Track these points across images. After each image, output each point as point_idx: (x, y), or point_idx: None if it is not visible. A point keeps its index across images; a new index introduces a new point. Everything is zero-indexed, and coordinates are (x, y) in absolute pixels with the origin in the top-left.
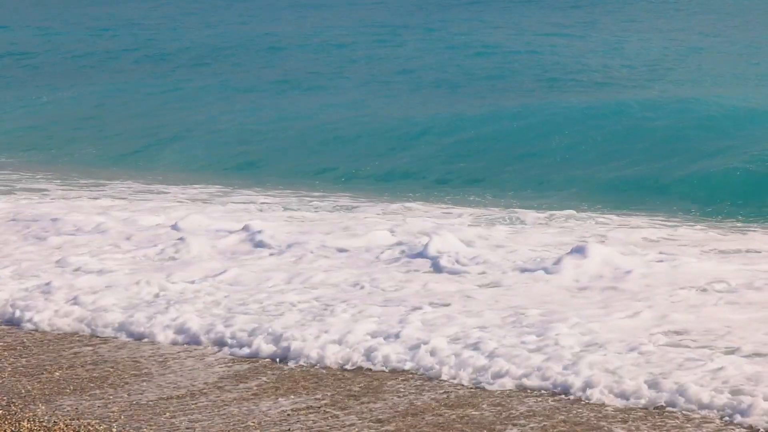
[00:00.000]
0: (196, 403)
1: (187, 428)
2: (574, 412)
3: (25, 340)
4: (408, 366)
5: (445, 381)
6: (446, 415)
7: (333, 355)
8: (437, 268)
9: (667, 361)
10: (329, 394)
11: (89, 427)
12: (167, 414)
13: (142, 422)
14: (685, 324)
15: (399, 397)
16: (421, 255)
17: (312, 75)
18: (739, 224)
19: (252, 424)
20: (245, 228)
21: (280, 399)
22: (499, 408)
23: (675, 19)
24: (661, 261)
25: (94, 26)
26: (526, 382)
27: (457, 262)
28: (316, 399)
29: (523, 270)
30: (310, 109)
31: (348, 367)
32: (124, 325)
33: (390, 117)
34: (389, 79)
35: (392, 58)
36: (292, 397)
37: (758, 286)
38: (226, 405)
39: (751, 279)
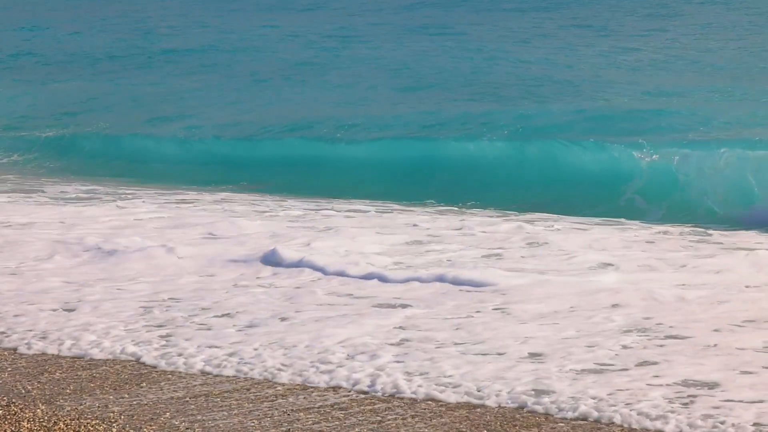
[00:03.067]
0: (196, 404)
1: (187, 428)
2: None
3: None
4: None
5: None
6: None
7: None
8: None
9: None
10: (329, 395)
11: (89, 428)
12: (167, 414)
13: (142, 422)
14: None
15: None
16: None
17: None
18: None
19: (252, 424)
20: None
21: (279, 399)
22: None
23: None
24: None
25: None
26: None
27: None
28: (316, 400)
29: None
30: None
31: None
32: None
33: None
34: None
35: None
36: (292, 398)
37: None
38: (226, 405)
39: None
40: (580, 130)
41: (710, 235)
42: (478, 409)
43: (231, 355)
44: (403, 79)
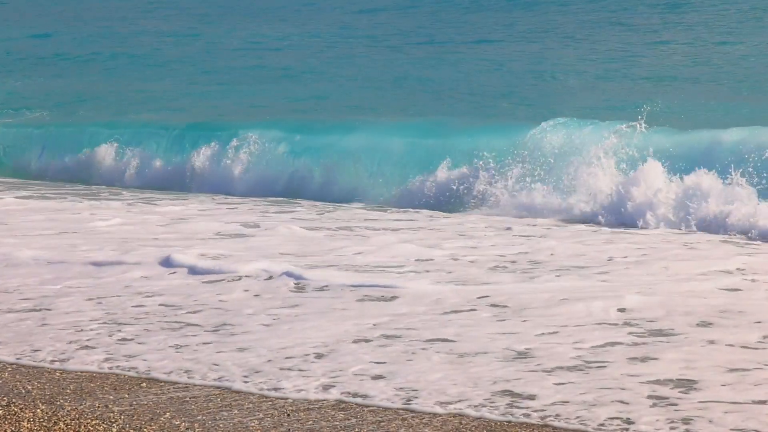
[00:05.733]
0: (196, 404)
1: (187, 428)
2: None
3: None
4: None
5: None
6: None
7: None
8: None
9: None
10: (330, 396)
11: (89, 428)
12: (167, 414)
13: (142, 422)
14: None
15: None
16: None
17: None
18: None
19: (252, 424)
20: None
21: (279, 399)
22: None
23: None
24: None
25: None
26: None
27: None
28: (316, 400)
29: None
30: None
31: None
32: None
33: None
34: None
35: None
36: (292, 398)
37: None
38: (226, 405)
39: None
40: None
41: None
42: (478, 412)
43: (214, 363)
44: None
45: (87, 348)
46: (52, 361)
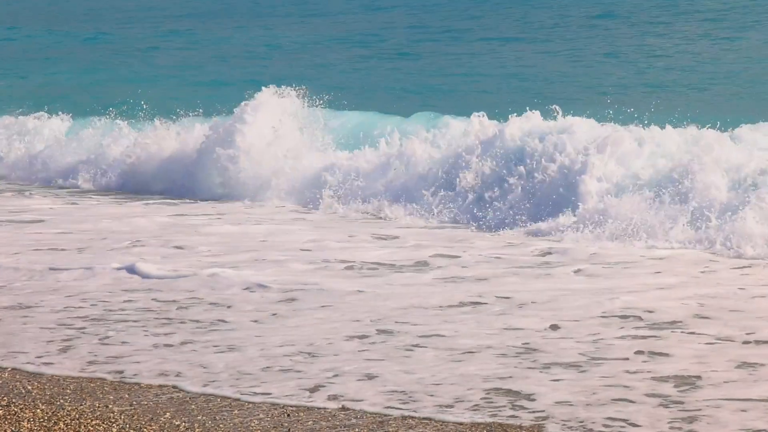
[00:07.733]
0: (196, 404)
1: (187, 428)
2: None
3: None
4: None
5: None
6: None
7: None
8: None
9: None
10: (328, 395)
11: (89, 428)
12: (167, 414)
13: (142, 423)
14: None
15: None
16: None
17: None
18: None
19: (252, 424)
20: None
21: (279, 399)
22: None
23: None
24: None
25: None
26: None
27: None
28: (316, 401)
29: None
30: None
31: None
32: None
33: None
34: None
35: None
36: (292, 398)
37: None
38: (226, 405)
39: None
40: None
41: None
42: (476, 413)
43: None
44: None
45: (69, 350)
46: (38, 364)
